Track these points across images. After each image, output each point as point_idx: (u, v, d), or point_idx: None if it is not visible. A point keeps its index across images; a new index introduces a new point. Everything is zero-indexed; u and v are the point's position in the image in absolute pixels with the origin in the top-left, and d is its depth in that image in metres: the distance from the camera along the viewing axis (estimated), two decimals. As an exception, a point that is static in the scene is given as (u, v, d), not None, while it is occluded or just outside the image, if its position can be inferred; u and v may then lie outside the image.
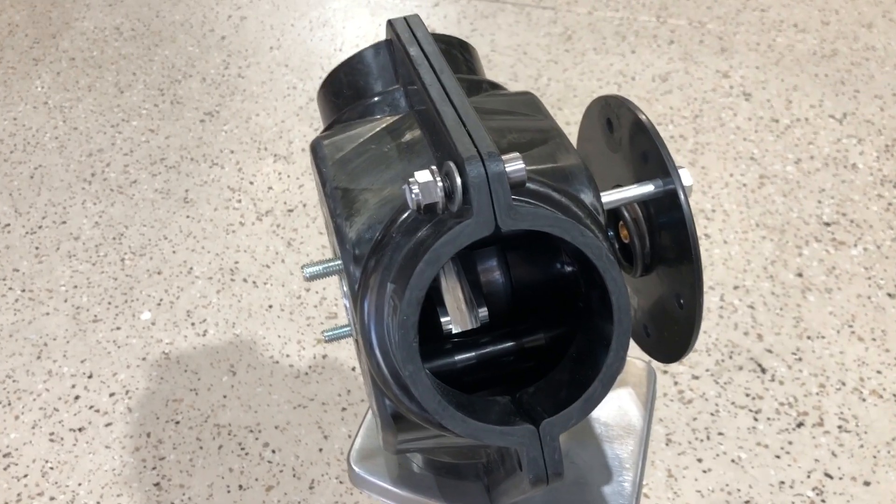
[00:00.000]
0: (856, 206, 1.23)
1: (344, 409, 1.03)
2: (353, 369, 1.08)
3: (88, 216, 1.33)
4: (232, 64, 1.65)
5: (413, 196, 0.41)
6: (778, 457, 0.93)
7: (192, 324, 1.15)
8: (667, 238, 0.50)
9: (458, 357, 0.50)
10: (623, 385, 0.67)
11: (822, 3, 1.67)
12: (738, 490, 0.91)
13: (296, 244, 1.26)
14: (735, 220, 1.21)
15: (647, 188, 0.49)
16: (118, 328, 1.15)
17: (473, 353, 0.51)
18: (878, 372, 1.01)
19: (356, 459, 0.64)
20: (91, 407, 1.06)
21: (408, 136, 0.50)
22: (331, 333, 0.54)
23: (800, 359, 1.03)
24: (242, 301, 1.18)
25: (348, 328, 0.55)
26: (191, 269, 1.23)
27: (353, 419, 1.02)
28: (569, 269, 0.50)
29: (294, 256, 1.24)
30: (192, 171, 1.40)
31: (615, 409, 0.65)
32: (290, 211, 1.32)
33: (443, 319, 0.51)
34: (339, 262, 0.47)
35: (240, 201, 1.34)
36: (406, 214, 0.44)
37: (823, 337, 1.06)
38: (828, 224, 1.20)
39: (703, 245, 1.19)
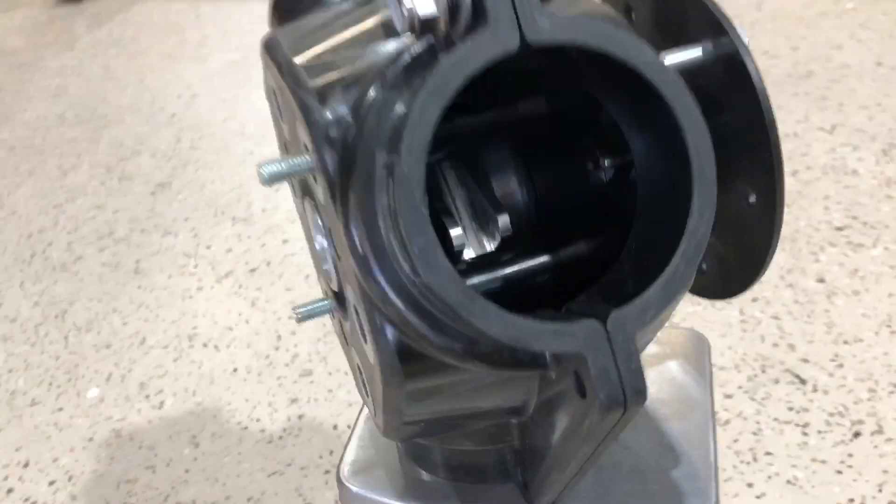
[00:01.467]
0: (866, 209, 1.13)
1: (327, 471, 0.88)
2: (335, 427, 0.93)
3: (27, 297, 1.19)
4: (184, 138, 1.55)
5: (404, 9, 0.30)
6: (840, 472, 0.80)
7: (147, 396, 1.00)
8: (723, 115, 0.38)
9: (476, 280, 0.38)
10: (671, 357, 0.54)
11: (789, 31, 1.64)
12: (802, 514, 0.77)
13: (261, 303, 1.13)
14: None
15: (695, 51, 0.38)
16: (60, 409, 1.00)
17: (497, 275, 0.39)
18: (932, 370, 0.89)
19: (349, 474, 0.50)
20: (27, 500, 0.89)
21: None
22: (304, 310, 0.42)
23: (840, 365, 0.91)
24: (203, 367, 1.04)
25: (325, 303, 0.42)
26: (143, 339, 1.09)
27: (339, 482, 0.87)
28: (608, 161, 0.39)
29: (259, 316, 1.11)
30: (143, 242, 1.28)
31: (667, 384, 0.52)
32: (253, 270, 1.19)
33: (453, 234, 0.39)
34: (307, 158, 0.35)
35: (196, 266, 1.21)
36: (393, 65, 0.33)
37: (862, 340, 0.94)
38: (840, 228, 1.11)
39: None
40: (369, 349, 0.35)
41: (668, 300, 0.30)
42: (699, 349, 0.54)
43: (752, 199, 0.39)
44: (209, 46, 1.96)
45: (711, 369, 0.53)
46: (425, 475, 0.48)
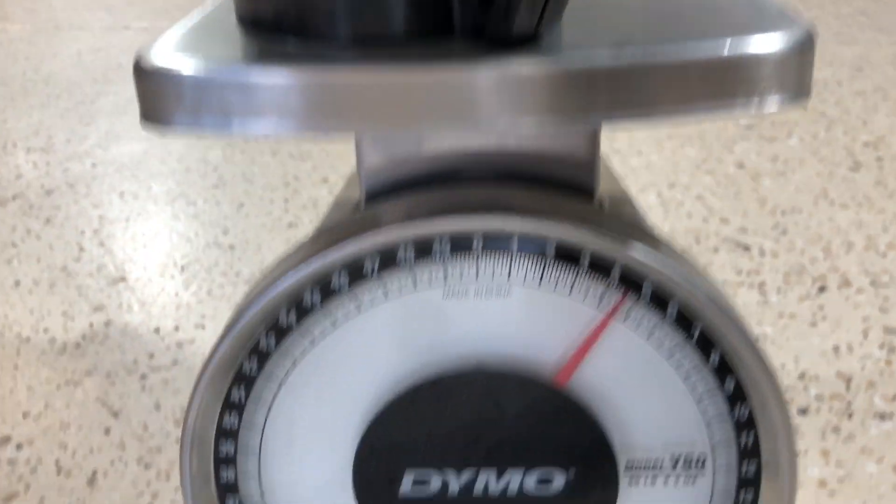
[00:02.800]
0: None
1: (144, 375, 0.63)
2: (157, 330, 0.68)
3: None
4: (-30, 86, 1.27)
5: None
6: (814, 325, 0.64)
7: None
8: None
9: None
10: None
11: None
12: (783, 365, 0.60)
13: (58, 219, 0.86)
14: (643, 135, 0.98)
15: None
16: None
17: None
18: (885, 230, 0.76)
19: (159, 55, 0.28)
20: None
21: None
22: None
23: (784, 232, 0.77)
24: (-29, 283, 0.76)
25: None
26: None
27: None
28: None
29: (55, 231, 0.84)
30: None
31: None
32: (50, 192, 0.93)
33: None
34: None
35: (-27, 188, 0.93)
36: None
37: (801, 211, 0.80)
38: (749, 127, 0.99)
39: (615, 160, 0.94)
40: None
41: None
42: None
43: None
44: None
45: None
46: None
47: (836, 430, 0.53)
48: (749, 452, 0.32)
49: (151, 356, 0.65)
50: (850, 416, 0.54)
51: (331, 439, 0.32)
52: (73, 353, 0.66)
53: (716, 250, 0.74)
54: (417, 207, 0.29)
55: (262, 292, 0.29)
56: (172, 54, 0.26)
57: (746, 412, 0.31)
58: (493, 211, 0.29)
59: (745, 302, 0.67)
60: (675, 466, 0.32)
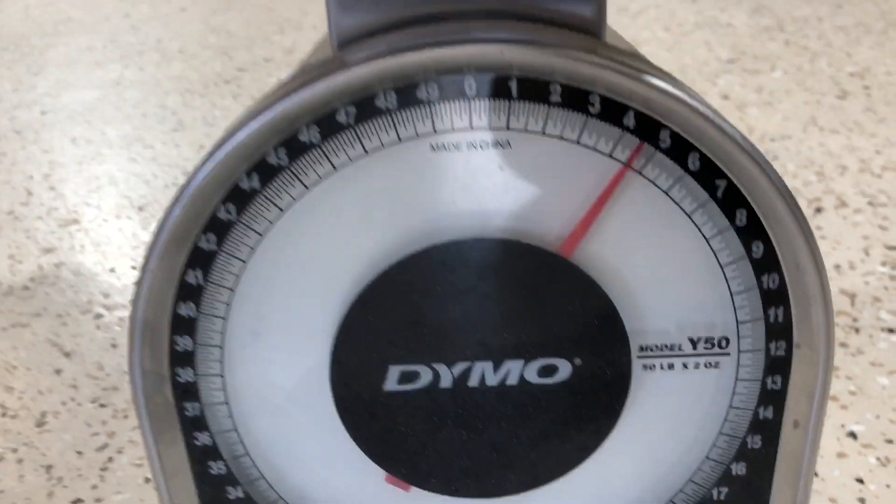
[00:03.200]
0: (752, 45, 1.00)
1: (99, 315, 0.58)
2: (113, 270, 0.63)
3: None
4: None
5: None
6: (812, 244, 0.61)
7: None
8: None
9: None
10: None
11: None
12: (783, 284, 0.56)
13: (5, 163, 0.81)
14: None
15: None
16: None
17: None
18: (878, 152, 0.73)
19: None
20: None
21: None
22: None
23: (776, 157, 0.74)
24: None
25: None
26: None
27: None
28: None
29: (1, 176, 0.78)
30: None
31: None
32: (-3, 136, 0.87)
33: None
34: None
35: (-89, 136, 0.87)
36: None
37: (790, 137, 0.77)
38: (731, 61, 0.96)
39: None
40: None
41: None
42: None
43: None
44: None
45: None
46: None
47: (844, 345, 0.50)
48: (779, 331, 0.28)
49: (107, 296, 0.60)
50: (858, 331, 0.51)
51: (305, 330, 0.28)
52: (20, 296, 0.60)
53: (705, 177, 0.71)
54: (399, 41, 0.25)
55: (219, 147, 0.25)
56: None
57: (777, 282, 0.27)
58: (489, 41, 0.24)
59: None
60: (695, 347, 0.28)
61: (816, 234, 0.62)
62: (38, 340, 0.56)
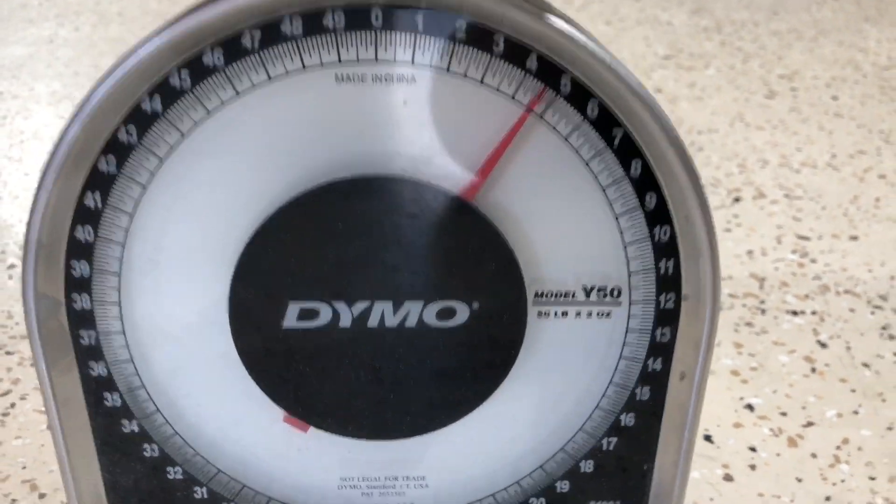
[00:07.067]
0: (689, 44, 1.02)
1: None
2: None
3: None
4: None
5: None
6: (728, 230, 0.62)
7: None
8: None
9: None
10: None
11: None
12: (697, 265, 0.58)
13: (-75, 110, 0.78)
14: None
15: None
16: None
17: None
18: (798, 150, 0.75)
19: None
20: None
21: None
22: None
23: (701, 149, 0.76)
24: None
25: None
26: None
27: None
28: None
29: (-78, 125, 0.76)
30: None
31: None
32: (-82, 85, 0.84)
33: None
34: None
35: None
36: None
37: (716, 130, 0.79)
38: (667, 57, 0.98)
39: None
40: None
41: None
42: None
43: None
44: None
45: None
46: None
47: (750, 324, 0.52)
48: (669, 283, 0.29)
49: (21, 246, 0.58)
50: (763, 312, 0.53)
51: (204, 261, 0.28)
52: (-70, 243, 0.59)
53: (632, 163, 0.72)
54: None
55: (119, 64, 0.25)
56: None
57: (668, 234, 0.28)
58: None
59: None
60: (588, 296, 0.29)
61: (733, 221, 0.64)
62: (-54, 287, 0.54)
